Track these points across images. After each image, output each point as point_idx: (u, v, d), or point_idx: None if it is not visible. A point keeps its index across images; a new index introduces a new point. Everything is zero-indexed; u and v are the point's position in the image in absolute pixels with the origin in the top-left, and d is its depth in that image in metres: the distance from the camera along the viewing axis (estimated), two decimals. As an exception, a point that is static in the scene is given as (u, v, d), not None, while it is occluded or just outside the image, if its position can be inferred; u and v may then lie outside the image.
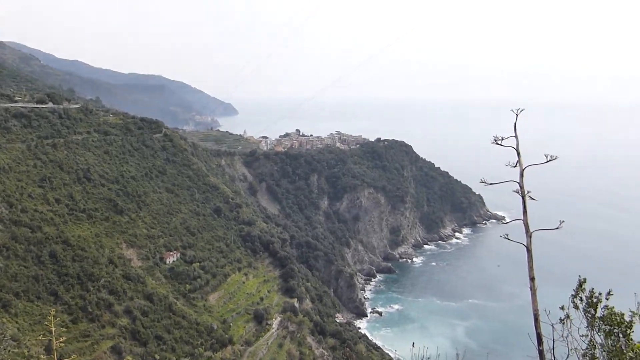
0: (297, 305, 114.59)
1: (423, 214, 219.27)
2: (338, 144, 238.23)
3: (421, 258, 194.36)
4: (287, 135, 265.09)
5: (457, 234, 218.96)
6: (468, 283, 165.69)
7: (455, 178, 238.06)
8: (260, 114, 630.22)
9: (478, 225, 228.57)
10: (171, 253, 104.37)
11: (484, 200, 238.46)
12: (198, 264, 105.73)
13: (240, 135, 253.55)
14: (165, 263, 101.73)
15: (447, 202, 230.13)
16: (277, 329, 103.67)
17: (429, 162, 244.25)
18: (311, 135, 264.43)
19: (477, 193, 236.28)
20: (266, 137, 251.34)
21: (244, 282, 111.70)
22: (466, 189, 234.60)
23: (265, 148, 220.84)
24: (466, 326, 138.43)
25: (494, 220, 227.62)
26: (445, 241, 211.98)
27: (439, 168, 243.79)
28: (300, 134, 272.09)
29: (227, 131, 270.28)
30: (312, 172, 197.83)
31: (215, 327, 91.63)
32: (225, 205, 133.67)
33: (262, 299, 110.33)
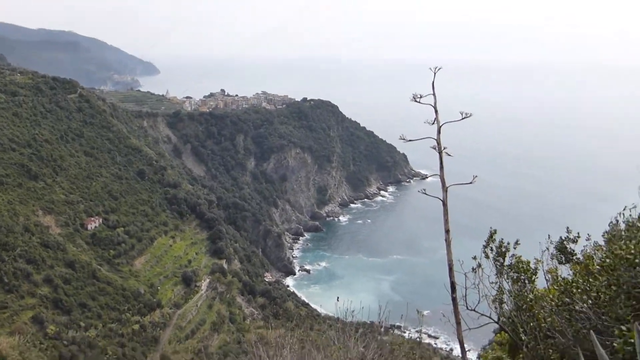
0: (225, 266, 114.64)
1: (349, 173, 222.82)
2: (264, 104, 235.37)
3: (348, 216, 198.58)
4: (211, 95, 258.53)
5: (382, 192, 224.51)
6: (392, 239, 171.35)
7: (380, 137, 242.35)
8: (183, 73, 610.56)
9: (402, 183, 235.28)
10: (93, 219, 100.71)
11: (408, 159, 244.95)
12: (122, 228, 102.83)
13: (162, 95, 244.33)
14: (86, 229, 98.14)
15: (373, 161, 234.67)
16: (206, 291, 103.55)
17: (355, 121, 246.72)
18: (236, 95, 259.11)
19: (401, 152, 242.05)
20: (190, 98, 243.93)
21: (170, 246, 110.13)
22: (391, 148, 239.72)
23: (189, 108, 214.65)
24: (391, 280, 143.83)
25: (417, 178, 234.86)
26: (370, 199, 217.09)
27: (364, 128, 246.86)
28: (226, 94, 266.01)
29: (148, 91, 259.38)
30: (238, 132, 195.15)
31: (143, 291, 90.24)
32: (148, 167, 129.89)
33: (190, 261, 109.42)
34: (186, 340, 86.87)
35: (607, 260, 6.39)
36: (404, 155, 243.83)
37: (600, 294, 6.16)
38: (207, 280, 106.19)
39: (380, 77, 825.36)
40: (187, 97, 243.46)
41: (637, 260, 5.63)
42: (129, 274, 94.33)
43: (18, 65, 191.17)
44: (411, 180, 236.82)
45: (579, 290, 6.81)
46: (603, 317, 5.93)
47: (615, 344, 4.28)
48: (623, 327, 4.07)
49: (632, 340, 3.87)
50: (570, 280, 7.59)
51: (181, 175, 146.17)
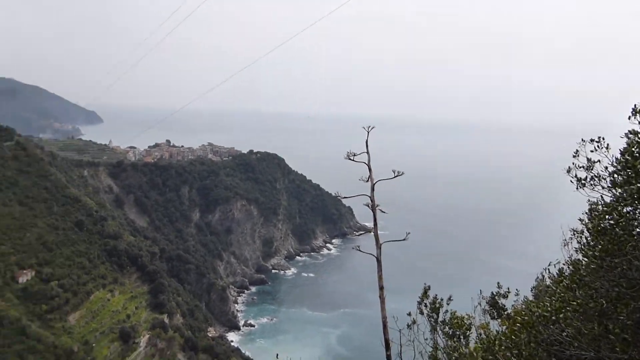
0: (167, 321, 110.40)
1: (295, 226, 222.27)
2: (210, 156, 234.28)
3: (294, 269, 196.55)
4: (156, 145, 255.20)
5: (328, 245, 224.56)
6: (339, 292, 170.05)
7: (326, 190, 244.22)
8: (128, 123, 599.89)
9: (348, 236, 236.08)
10: (24, 271, 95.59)
11: (354, 212, 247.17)
12: (56, 282, 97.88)
13: (105, 144, 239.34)
14: (17, 282, 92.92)
15: (319, 214, 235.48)
16: (146, 347, 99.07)
17: (301, 174, 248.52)
18: (182, 146, 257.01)
19: (347, 205, 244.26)
20: (134, 148, 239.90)
21: (108, 300, 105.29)
22: (337, 201, 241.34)
23: (133, 159, 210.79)
24: (338, 334, 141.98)
25: (362, 232, 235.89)
26: (317, 252, 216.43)
27: (310, 181, 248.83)
28: (171, 144, 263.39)
29: (90, 140, 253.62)
30: (183, 183, 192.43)
31: (76, 349, 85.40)
32: (88, 218, 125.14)
33: (129, 316, 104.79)
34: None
35: (526, 317, 6.59)
36: (350, 208, 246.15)
37: (522, 350, 6.31)
38: (147, 336, 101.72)
39: (329, 131, 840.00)
40: (131, 147, 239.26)
41: (553, 318, 5.85)
42: (62, 331, 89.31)
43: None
44: (357, 233, 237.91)
45: (502, 347, 6.97)
46: (526, 375, 6.07)
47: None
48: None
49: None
50: (493, 338, 7.77)
51: (122, 227, 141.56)
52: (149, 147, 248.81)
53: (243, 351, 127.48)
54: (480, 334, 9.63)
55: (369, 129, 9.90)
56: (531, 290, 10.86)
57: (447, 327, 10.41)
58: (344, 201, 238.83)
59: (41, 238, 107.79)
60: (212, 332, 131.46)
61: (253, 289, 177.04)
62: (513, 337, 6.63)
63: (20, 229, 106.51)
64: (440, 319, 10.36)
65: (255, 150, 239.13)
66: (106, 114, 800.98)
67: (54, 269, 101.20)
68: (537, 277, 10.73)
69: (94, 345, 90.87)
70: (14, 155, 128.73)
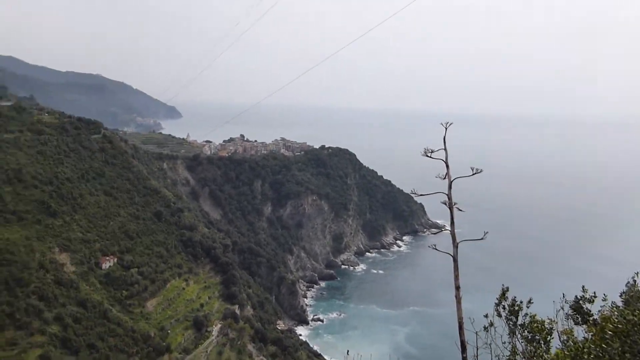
0: (238, 312, 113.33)
1: (365, 222, 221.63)
2: (282, 150, 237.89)
3: (363, 265, 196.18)
4: (231, 140, 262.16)
5: (398, 242, 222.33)
6: (408, 290, 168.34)
7: (397, 187, 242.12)
8: (204, 118, 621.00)
9: (419, 233, 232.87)
10: (107, 258, 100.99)
11: (425, 209, 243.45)
12: (136, 269, 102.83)
13: (183, 138, 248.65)
14: (101, 268, 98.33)
15: (389, 211, 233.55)
16: (217, 336, 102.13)
17: (372, 170, 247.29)
18: (255, 140, 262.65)
19: (418, 202, 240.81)
20: (210, 142, 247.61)
21: (183, 288, 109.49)
22: (408, 198, 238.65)
23: (209, 152, 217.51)
24: (406, 332, 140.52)
25: (434, 229, 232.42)
26: (387, 249, 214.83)
27: (381, 176, 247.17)
28: (245, 139, 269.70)
29: (170, 134, 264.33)
30: (256, 177, 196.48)
31: (152, 334, 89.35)
32: (166, 209, 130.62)
33: (202, 305, 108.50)
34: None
35: (620, 325, 6.10)
36: (421, 205, 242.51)
37: (614, 360, 5.85)
38: (219, 325, 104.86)
39: (401, 127, 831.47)
40: (207, 141, 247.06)
41: (652, 327, 5.37)
42: (140, 316, 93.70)
43: (47, 105, 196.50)
44: (428, 231, 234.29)
45: (592, 356, 6.50)
46: (618, 386, 5.62)
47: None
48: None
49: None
50: (582, 346, 7.25)
51: (198, 218, 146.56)
52: (223, 141, 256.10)
53: (311, 345, 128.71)
54: (566, 340, 9.10)
55: (447, 125, 9.57)
56: (620, 296, 10.17)
57: (526, 331, 9.94)
58: (416, 198, 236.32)
59: (123, 227, 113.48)
60: (281, 325, 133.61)
61: (322, 284, 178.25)
62: (604, 345, 6.18)
63: (105, 218, 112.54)
64: (519, 322, 9.92)
65: (327, 146, 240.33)
66: (185, 109, 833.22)
67: (134, 256, 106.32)
68: (628, 282, 10.02)
69: (169, 331, 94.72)
70: (101, 147, 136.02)
